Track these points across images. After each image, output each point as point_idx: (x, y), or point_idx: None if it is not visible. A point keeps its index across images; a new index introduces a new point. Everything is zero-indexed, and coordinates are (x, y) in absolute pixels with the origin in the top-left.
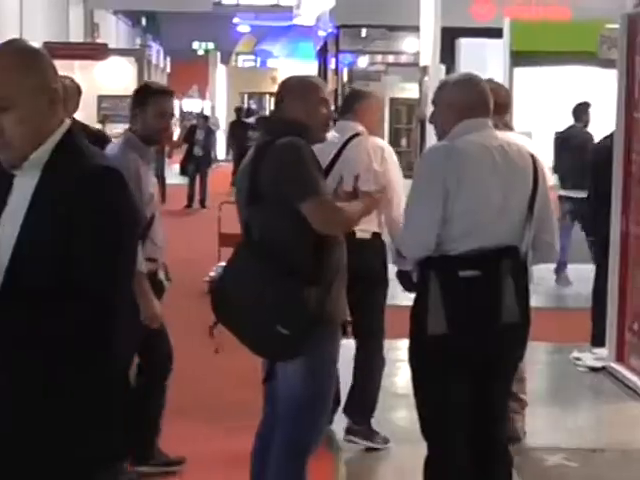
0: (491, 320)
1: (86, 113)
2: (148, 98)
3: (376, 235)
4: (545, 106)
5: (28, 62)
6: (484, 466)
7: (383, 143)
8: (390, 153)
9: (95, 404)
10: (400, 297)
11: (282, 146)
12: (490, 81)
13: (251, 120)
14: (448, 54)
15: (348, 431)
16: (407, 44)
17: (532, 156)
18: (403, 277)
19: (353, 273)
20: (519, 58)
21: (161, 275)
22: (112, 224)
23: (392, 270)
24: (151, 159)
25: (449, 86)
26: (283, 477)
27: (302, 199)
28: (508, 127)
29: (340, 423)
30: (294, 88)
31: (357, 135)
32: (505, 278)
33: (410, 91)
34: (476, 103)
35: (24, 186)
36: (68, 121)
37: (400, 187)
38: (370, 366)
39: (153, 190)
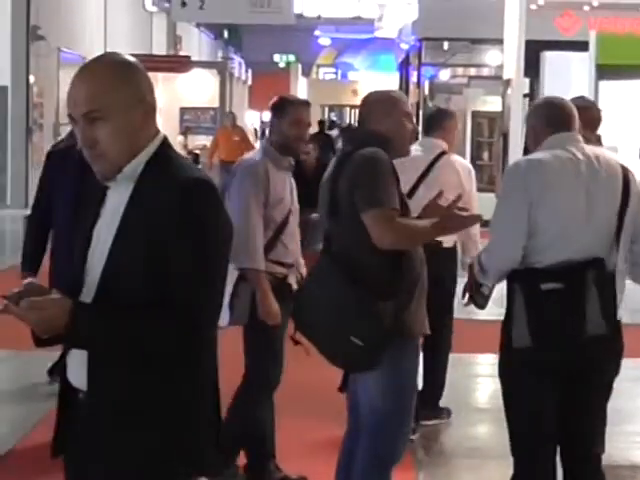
0: (575, 333)
1: (168, 125)
2: (286, 107)
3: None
4: (630, 120)
5: (123, 75)
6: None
7: (466, 161)
8: (472, 171)
9: (186, 417)
10: (478, 311)
11: (361, 156)
12: (582, 99)
13: (334, 132)
14: (532, 67)
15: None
16: (490, 57)
17: (623, 167)
18: (476, 292)
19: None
20: (604, 71)
21: (291, 279)
22: (202, 237)
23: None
24: (287, 167)
25: (532, 110)
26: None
27: (364, 210)
28: (599, 142)
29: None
30: (379, 102)
31: (444, 153)
32: (589, 290)
33: (492, 104)
34: (558, 120)
35: (117, 198)
36: (162, 133)
37: (476, 202)
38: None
39: (286, 194)
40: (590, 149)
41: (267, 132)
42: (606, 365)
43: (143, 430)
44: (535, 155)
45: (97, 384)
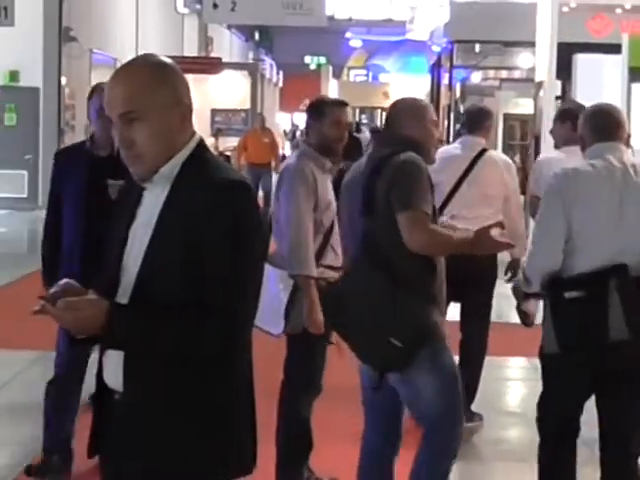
0: (597, 339)
1: (199, 127)
2: (324, 109)
3: None
4: None
5: (160, 76)
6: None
7: (506, 157)
8: (513, 166)
9: (221, 418)
10: (511, 315)
11: (402, 160)
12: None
13: (365, 135)
14: (564, 69)
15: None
16: (521, 59)
17: None
18: (519, 311)
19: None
20: (637, 74)
21: None
22: (237, 238)
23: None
24: (328, 169)
25: (582, 117)
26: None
27: (399, 210)
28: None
29: None
30: (410, 108)
31: (485, 150)
32: (611, 297)
33: (524, 107)
34: (602, 129)
35: (154, 199)
36: (198, 135)
37: (519, 197)
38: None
39: (332, 197)
40: (628, 158)
41: (301, 134)
42: (635, 370)
43: (179, 431)
44: (573, 165)
45: (133, 385)
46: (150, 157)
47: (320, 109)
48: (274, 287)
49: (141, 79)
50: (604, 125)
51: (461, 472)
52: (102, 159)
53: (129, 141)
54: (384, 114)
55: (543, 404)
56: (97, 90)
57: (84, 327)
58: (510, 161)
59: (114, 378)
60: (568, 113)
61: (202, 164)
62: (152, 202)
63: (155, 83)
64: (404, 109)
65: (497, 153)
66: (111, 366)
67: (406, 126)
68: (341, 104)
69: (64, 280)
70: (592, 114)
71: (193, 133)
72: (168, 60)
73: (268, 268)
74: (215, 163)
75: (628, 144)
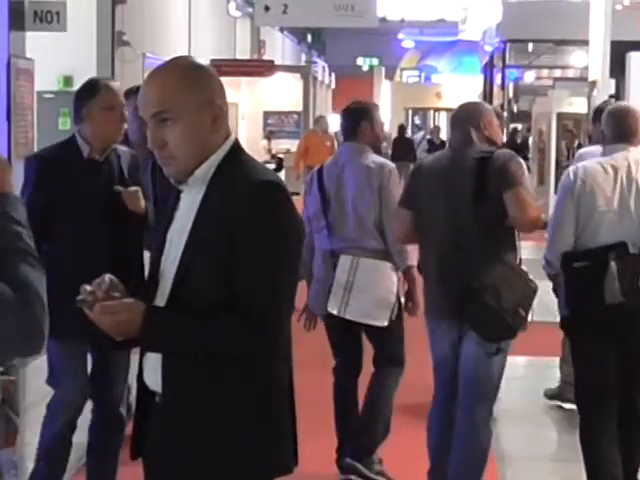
0: (596, 301)
1: (252, 129)
2: (374, 112)
3: None
4: None
5: (192, 79)
6: (629, 434)
7: None
8: None
9: (260, 419)
10: (557, 314)
11: (508, 154)
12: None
13: (418, 136)
14: (618, 68)
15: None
16: (575, 58)
17: None
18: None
19: None
20: None
21: None
22: (274, 239)
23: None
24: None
25: (605, 114)
26: (487, 429)
27: (507, 187)
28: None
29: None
30: (487, 110)
31: None
32: (609, 267)
33: (578, 105)
34: (619, 132)
35: (189, 202)
36: (233, 136)
37: None
38: None
39: None
40: (635, 156)
41: (347, 136)
42: (636, 330)
43: (217, 431)
44: (584, 163)
45: (172, 386)
46: (182, 158)
47: (371, 113)
48: (390, 281)
49: (172, 80)
50: (621, 129)
51: (510, 473)
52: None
53: (161, 141)
54: (437, 115)
55: (573, 362)
56: (131, 92)
57: (122, 330)
58: None
59: (154, 379)
60: (597, 114)
61: (237, 165)
62: (188, 205)
63: (186, 84)
64: (485, 112)
65: None
66: (151, 368)
67: (486, 128)
68: (377, 106)
69: (107, 275)
70: (613, 115)
71: (228, 134)
72: (202, 62)
73: (386, 265)
74: (250, 164)
75: None
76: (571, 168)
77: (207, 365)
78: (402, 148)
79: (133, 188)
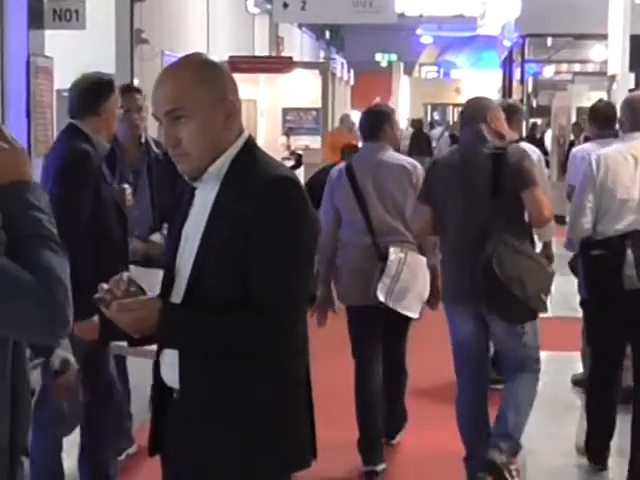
0: (614, 287)
1: (271, 126)
2: (393, 115)
3: None
4: None
5: (205, 76)
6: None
7: None
8: None
9: (277, 415)
10: (561, 308)
11: (522, 149)
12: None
13: (436, 132)
14: (637, 62)
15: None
16: (594, 52)
17: None
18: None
19: None
20: None
21: None
22: (290, 235)
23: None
24: None
25: (623, 103)
26: (535, 383)
27: (525, 187)
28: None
29: None
30: (493, 107)
31: None
32: (627, 254)
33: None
34: (635, 120)
35: (204, 198)
36: (247, 133)
37: None
38: None
39: None
40: None
41: (369, 136)
42: None
43: (234, 427)
44: (604, 150)
45: (189, 382)
46: (195, 155)
47: (392, 116)
48: (427, 277)
49: (185, 78)
50: (638, 117)
51: (536, 469)
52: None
53: (174, 139)
54: (456, 110)
55: (589, 343)
56: (122, 91)
57: (139, 328)
58: None
59: (171, 376)
60: (592, 113)
61: (251, 161)
62: (203, 201)
63: (198, 81)
64: (497, 108)
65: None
66: (168, 364)
67: (501, 124)
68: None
69: (125, 274)
70: (629, 104)
71: (241, 131)
72: (214, 59)
73: (424, 260)
74: (264, 160)
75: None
76: (593, 157)
77: (223, 361)
78: (419, 143)
79: (124, 186)
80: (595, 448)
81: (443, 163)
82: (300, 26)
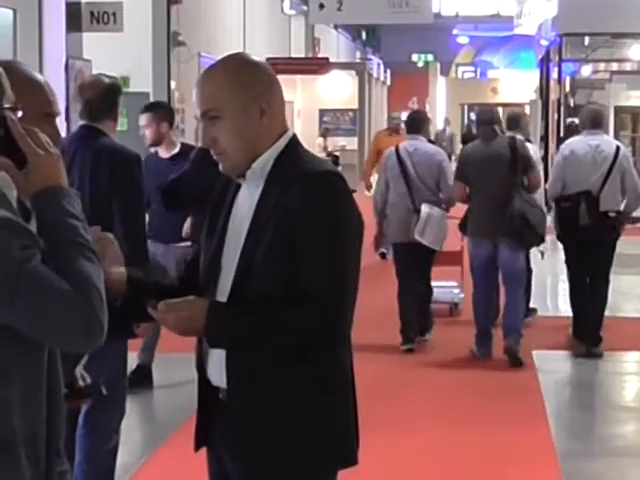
0: (573, 224)
1: (308, 127)
2: (429, 119)
3: None
4: None
5: (240, 75)
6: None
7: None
8: None
9: (325, 411)
10: (624, 308)
11: (523, 144)
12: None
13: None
14: None
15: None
16: (632, 51)
17: (617, 146)
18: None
19: None
20: None
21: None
22: (336, 229)
23: None
24: None
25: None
26: (521, 295)
27: (529, 169)
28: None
29: None
30: (497, 113)
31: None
32: (580, 204)
33: (636, 99)
34: (588, 119)
35: (248, 195)
36: (291, 131)
37: None
38: None
39: None
40: (607, 138)
41: (413, 131)
42: (600, 240)
43: (282, 426)
44: (571, 140)
45: (236, 382)
46: (232, 154)
47: (429, 120)
48: (446, 224)
49: (218, 78)
50: (591, 118)
51: (574, 468)
52: None
53: (211, 140)
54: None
55: (566, 263)
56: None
57: (186, 328)
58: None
59: (217, 376)
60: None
61: (295, 159)
62: (247, 198)
63: (232, 82)
64: (497, 113)
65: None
66: (215, 364)
67: (499, 123)
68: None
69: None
70: (586, 110)
71: (284, 130)
72: (255, 58)
73: (445, 214)
74: (308, 157)
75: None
76: (562, 145)
77: (271, 360)
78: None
79: None
80: (585, 337)
81: (472, 152)
82: (336, 27)
